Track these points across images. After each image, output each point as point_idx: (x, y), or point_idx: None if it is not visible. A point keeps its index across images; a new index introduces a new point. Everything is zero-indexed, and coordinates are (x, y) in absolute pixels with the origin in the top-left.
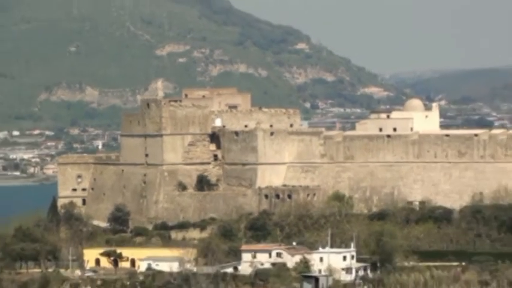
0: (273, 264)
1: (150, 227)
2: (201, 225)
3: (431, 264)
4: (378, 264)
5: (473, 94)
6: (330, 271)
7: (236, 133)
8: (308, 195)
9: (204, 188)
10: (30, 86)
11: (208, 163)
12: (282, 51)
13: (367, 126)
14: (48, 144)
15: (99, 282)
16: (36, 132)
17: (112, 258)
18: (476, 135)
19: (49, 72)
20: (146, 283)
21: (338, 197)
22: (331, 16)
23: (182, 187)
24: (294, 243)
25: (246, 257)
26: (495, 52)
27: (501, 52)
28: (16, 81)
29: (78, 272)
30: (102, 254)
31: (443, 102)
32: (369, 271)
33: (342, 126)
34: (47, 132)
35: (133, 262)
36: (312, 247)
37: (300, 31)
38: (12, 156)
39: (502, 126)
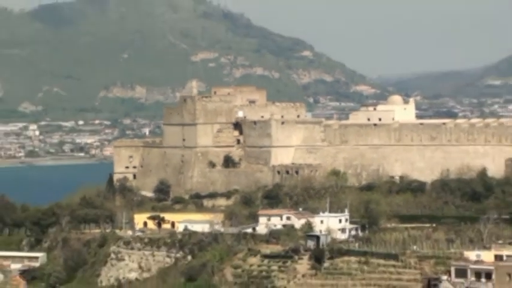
0: (284, 225)
1: (186, 197)
2: (227, 195)
3: (408, 225)
4: (366, 226)
5: (442, 91)
6: (329, 231)
7: (254, 122)
8: (311, 171)
9: (229, 165)
10: (92, 85)
11: (232, 146)
12: (290, 57)
13: (358, 117)
14: (106, 131)
15: (146, 240)
16: (97, 122)
17: (156, 221)
18: (444, 123)
19: (107, 74)
20: (183, 241)
21: (335, 173)
22: (329, 29)
23: (212, 165)
24: (300, 209)
25: (262, 220)
26: (460, 57)
27: (464, 57)
28: (81, 81)
29: (129, 232)
30: (148, 218)
31: (418, 98)
32: (359, 231)
33: (338, 117)
34: (105, 122)
35: (173, 224)
36: (315, 212)
37: (305, 42)
38: (78, 141)
39: (464, 117)
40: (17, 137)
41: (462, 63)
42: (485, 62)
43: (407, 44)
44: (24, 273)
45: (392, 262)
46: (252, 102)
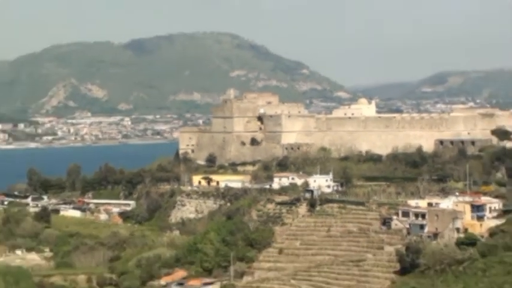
0: (290, 183)
1: (226, 164)
2: (253, 163)
3: (371, 183)
4: (344, 183)
5: (393, 96)
6: (319, 187)
7: (271, 116)
8: (307, 148)
9: (254, 144)
10: (165, 92)
11: (256, 131)
12: (294, 74)
13: (338, 113)
14: (174, 122)
15: (200, 193)
16: (168, 115)
17: (207, 180)
18: (394, 117)
19: (175, 85)
20: (224, 193)
21: (323, 149)
22: (320, 54)
23: (243, 144)
24: (300, 173)
25: (276, 180)
26: (404, 72)
27: (407, 72)
28: (158, 89)
29: (189, 187)
30: (201, 178)
31: (377, 100)
32: (339, 187)
33: (325, 112)
34: (174, 116)
35: (217, 182)
36: (310, 174)
37: (303, 63)
38: (156, 128)
39: (407, 113)
40: (116, 125)
41: (406, 76)
42: (421, 76)
43: (372, 63)
44: (120, 214)
45: (360, 207)
46: (269, 103)
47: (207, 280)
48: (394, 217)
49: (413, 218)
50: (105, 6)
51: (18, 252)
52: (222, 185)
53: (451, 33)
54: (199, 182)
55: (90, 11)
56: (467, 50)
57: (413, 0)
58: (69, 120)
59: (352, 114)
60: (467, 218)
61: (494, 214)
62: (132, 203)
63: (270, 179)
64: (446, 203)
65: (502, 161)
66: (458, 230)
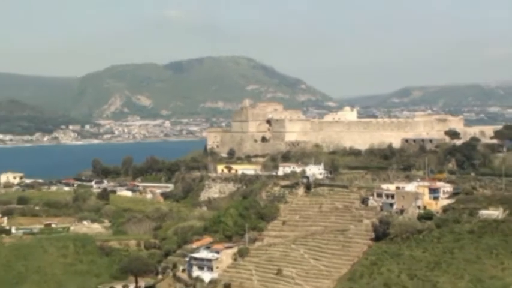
0: (291, 171)
1: (243, 156)
2: (263, 156)
3: (353, 171)
4: (332, 172)
5: (370, 104)
6: (313, 174)
7: (277, 120)
8: (304, 144)
9: (264, 141)
10: (196, 101)
11: (266, 131)
12: (295, 88)
13: (328, 118)
14: (203, 124)
15: (223, 178)
16: (198, 119)
17: (228, 168)
18: (371, 121)
19: (204, 96)
20: (241, 178)
21: (316, 145)
22: (315, 72)
23: (255, 141)
24: (299, 163)
25: (280, 168)
26: (381, 87)
27: (378, 87)
28: (191, 99)
29: (214, 174)
30: (224, 167)
31: (358, 108)
32: (328, 174)
33: (318, 117)
34: (203, 119)
35: (236, 170)
36: (306, 164)
37: (301, 79)
38: (189, 128)
39: (381, 118)
40: (159, 127)
41: (380, 90)
42: (391, 90)
43: (354, 80)
44: (162, 194)
45: (345, 189)
46: (275, 110)
47: (228, 244)
48: (370, 197)
49: (385, 198)
50: (151, 35)
51: (85, 222)
52: (239, 172)
53: (414, 56)
54: (222, 170)
55: (140, 39)
56: (426, 70)
57: (385, 32)
58: (124, 123)
59: (339, 118)
60: (426, 198)
61: (447, 195)
62: (171, 185)
63: (276, 168)
64: (410, 187)
65: (452, 155)
66: (419, 207)
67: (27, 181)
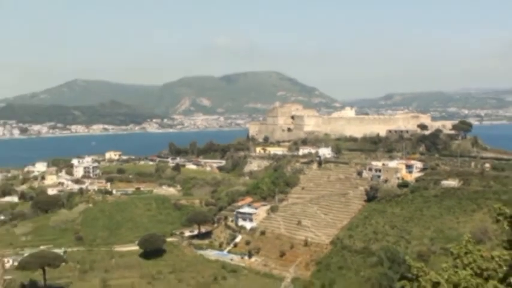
0: (308, 152)
1: (274, 141)
2: (288, 141)
3: (352, 152)
4: (337, 152)
5: (364, 105)
6: (323, 154)
7: (298, 116)
8: (317, 133)
9: (289, 131)
10: (242, 103)
11: (290, 124)
12: (311, 94)
13: (335, 115)
14: (247, 118)
15: (260, 156)
16: (243, 116)
17: (263, 149)
18: (364, 117)
19: (246, 99)
20: (273, 157)
21: (326, 134)
22: (326, 81)
23: (283, 130)
24: (314, 146)
25: (301, 150)
26: (371, 92)
27: (373, 92)
28: (238, 101)
29: (254, 153)
30: (261, 149)
31: (356, 108)
32: (334, 154)
33: (327, 114)
34: (247, 115)
35: (269, 151)
36: (319, 147)
37: (316, 87)
38: (237, 122)
39: (372, 115)
40: (216, 120)
41: (372, 95)
42: (380, 95)
43: (353, 88)
44: (217, 167)
45: (346, 165)
46: (297, 109)
47: (263, 203)
48: (364, 171)
49: (374, 171)
50: (209, 55)
51: (163, 187)
52: (271, 152)
53: (396, 70)
54: (259, 151)
55: (202, 58)
56: (404, 80)
57: (374, 53)
58: (190, 117)
59: (342, 115)
60: (403, 172)
61: (418, 170)
62: (223, 161)
63: (297, 149)
64: (392, 164)
65: (422, 141)
66: (398, 178)
67: (124, 157)
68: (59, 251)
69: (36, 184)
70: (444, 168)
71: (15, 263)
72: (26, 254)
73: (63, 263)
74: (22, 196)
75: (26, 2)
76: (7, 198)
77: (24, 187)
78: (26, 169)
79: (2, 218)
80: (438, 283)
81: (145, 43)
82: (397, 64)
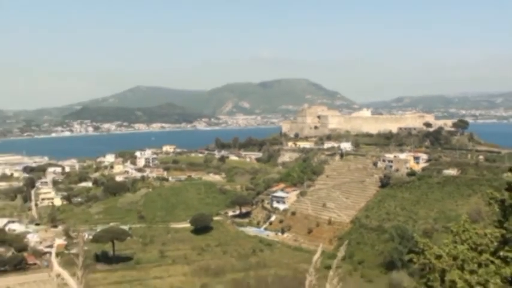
0: (332, 146)
1: (303, 137)
2: (315, 137)
3: (368, 146)
4: (355, 146)
5: (379, 107)
6: (345, 148)
7: (323, 116)
8: (339, 130)
9: (316, 128)
10: (276, 104)
11: (317, 123)
12: (334, 97)
13: (354, 114)
14: (280, 117)
15: (291, 150)
16: (277, 115)
17: (294, 144)
18: (379, 117)
19: (280, 102)
20: (302, 150)
21: (347, 131)
22: (347, 85)
23: (310, 128)
24: (336, 141)
25: (325, 144)
26: (385, 96)
27: (387, 96)
28: (273, 104)
29: (286, 147)
30: (292, 143)
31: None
32: (353, 148)
33: (348, 114)
34: (280, 115)
35: (299, 145)
36: (341, 142)
37: (339, 92)
38: (271, 120)
39: (385, 115)
40: (254, 119)
41: (385, 98)
42: (392, 98)
43: (370, 92)
44: (256, 159)
45: (363, 157)
46: (322, 110)
47: (294, 188)
48: (379, 162)
49: (387, 162)
50: (248, 65)
51: (211, 174)
52: (301, 146)
53: (406, 77)
54: (291, 145)
55: (242, 67)
56: (413, 85)
57: (387, 60)
58: (233, 117)
59: (360, 115)
60: (411, 162)
61: (424, 161)
62: (261, 154)
63: (323, 143)
64: (402, 156)
65: (427, 137)
66: (407, 168)
67: (178, 150)
68: (125, 227)
69: (106, 172)
70: (445, 159)
71: (90, 237)
72: (98, 230)
73: (129, 237)
74: (95, 182)
75: (99, 22)
76: (83, 184)
77: (96, 175)
78: (98, 160)
79: (79, 199)
80: (440, 256)
81: (195, 55)
82: (407, 72)
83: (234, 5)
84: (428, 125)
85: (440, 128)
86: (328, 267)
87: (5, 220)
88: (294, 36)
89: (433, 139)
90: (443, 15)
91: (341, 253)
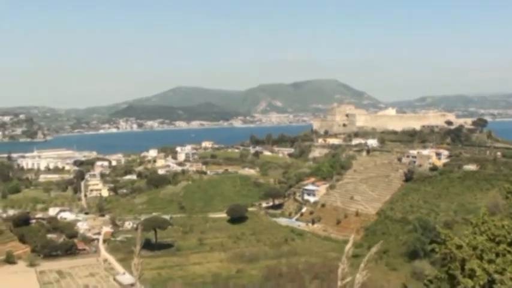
0: (359, 142)
1: (333, 134)
2: (343, 134)
3: (393, 143)
4: (381, 143)
5: (403, 106)
6: (371, 144)
7: (351, 114)
8: (366, 128)
9: (344, 126)
10: (307, 103)
11: (345, 120)
12: (361, 96)
13: (380, 113)
14: (310, 116)
15: (321, 145)
16: (307, 113)
17: (324, 140)
18: (403, 116)
19: (311, 101)
20: (331, 146)
21: (373, 128)
22: (374, 87)
23: (339, 125)
24: (363, 138)
25: (353, 141)
26: (409, 95)
27: (410, 95)
28: (304, 103)
29: (316, 143)
30: (322, 140)
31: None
32: (379, 144)
33: (374, 113)
34: (310, 113)
35: (329, 141)
36: (367, 139)
37: (365, 92)
38: (303, 119)
39: (408, 114)
40: (286, 118)
41: (409, 98)
42: (415, 97)
43: (394, 92)
44: (288, 154)
45: (389, 153)
46: (350, 108)
47: (324, 182)
48: (403, 157)
49: (411, 158)
50: (278, 66)
51: (246, 169)
52: (330, 142)
53: (429, 78)
54: (321, 141)
55: (275, 68)
56: (436, 85)
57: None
58: (267, 115)
59: (386, 114)
60: (434, 158)
61: (445, 157)
62: (292, 149)
63: (351, 140)
64: (425, 152)
65: (448, 134)
66: (429, 163)
67: (216, 146)
68: (167, 216)
69: (149, 166)
70: (465, 155)
71: (134, 225)
72: (142, 219)
73: (170, 226)
74: (139, 175)
75: (143, 28)
76: (128, 176)
77: (140, 168)
78: (142, 154)
79: (125, 191)
80: (461, 246)
81: (231, 57)
82: (429, 73)
83: (268, 11)
84: (449, 123)
85: (461, 126)
86: (355, 256)
87: (57, 209)
88: (323, 39)
89: (454, 136)
90: (466, 16)
91: (375, 249)
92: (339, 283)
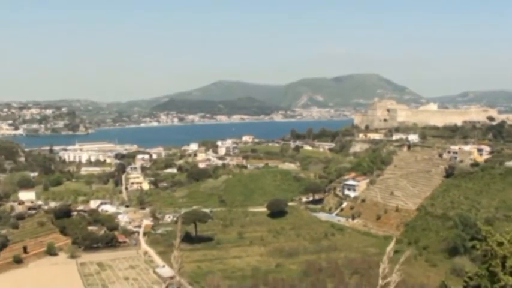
0: (400, 137)
1: (373, 129)
2: (385, 129)
3: (434, 138)
4: (422, 138)
5: (444, 101)
6: (412, 139)
7: (393, 109)
8: (407, 123)
9: (385, 120)
10: (348, 98)
11: (386, 115)
12: (402, 91)
13: (421, 108)
14: (352, 111)
15: (361, 140)
16: (349, 108)
17: (365, 135)
18: (444, 111)
19: (360, 95)
20: (372, 141)
21: (414, 123)
22: (415, 82)
23: (380, 120)
24: (405, 133)
25: (394, 136)
26: (451, 91)
27: (453, 91)
28: (345, 98)
29: (357, 138)
30: (362, 134)
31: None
32: (421, 140)
33: (416, 107)
34: (352, 108)
35: (369, 136)
36: (408, 134)
37: (407, 86)
38: (343, 113)
39: (450, 109)
40: (327, 112)
41: (452, 93)
42: (458, 93)
43: (436, 87)
44: (329, 149)
45: (430, 148)
46: (391, 103)
47: (364, 177)
48: (444, 153)
49: (452, 153)
50: (323, 61)
51: (286, 163)
52: (371, 137)
53: (471, 73)
54: (362, 136)
55: (318, 63)
56: (478, 80)
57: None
58: (308, 110)
59: (427, 109)
60: (475, 154)
61: (487, 152)
62: (333, 144)
63: (391, 135)
64: (466, 147)
65: (490, 130)
66: (471, 159)
67: (256, 140)
68: (207, 210)
69: (190, 159)
70: (507, 151)
71: (175, 218)
72: (182, 212)
73: (210, 219)
74: (180, 168)
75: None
76: (169, 170)
77: (181, 162)
78: (182, 148)
79: (165, 184)
80: (502, 243)
81: (272, 52)
82: (471, 68)
83: (311, 5)
84: (491, 118)
85: (503, 122)
86: (395, 252)
87: (98, 202)
88: (366, 34)
89: (496, 132)
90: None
91: (408, 252)
92: (380, 281)
